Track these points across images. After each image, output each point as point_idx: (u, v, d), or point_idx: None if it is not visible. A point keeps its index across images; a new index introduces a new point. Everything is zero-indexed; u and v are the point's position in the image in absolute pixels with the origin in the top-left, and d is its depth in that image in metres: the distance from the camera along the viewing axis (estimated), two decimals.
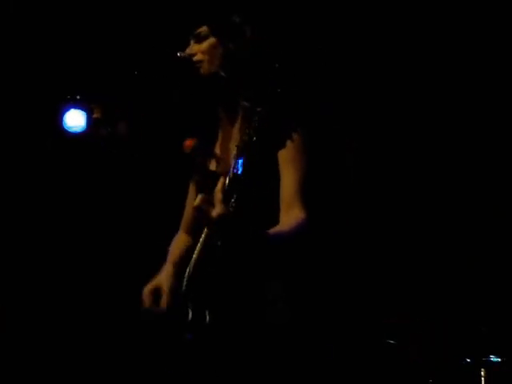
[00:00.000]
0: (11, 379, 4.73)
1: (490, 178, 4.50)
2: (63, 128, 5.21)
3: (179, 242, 2.74)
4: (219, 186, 1.99)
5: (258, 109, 2.01)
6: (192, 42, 2.51)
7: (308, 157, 2.29)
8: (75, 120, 5.21)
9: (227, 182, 1.99)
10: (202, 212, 1.99)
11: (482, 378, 3.78)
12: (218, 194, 1.98)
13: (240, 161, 1.98)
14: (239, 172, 1.98)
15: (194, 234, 2.61)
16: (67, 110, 5.19)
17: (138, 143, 5.03)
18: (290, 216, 2.22)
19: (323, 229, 2.30)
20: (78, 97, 5.18)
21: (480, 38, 4.36)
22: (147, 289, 2.56)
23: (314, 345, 2.27)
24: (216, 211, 1.95)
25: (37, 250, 5.10)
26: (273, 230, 2.17)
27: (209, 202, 1.98)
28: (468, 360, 3.83)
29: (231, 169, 2.00)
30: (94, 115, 5.29)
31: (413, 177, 4.65)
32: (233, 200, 1.96)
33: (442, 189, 4.60)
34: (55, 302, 5.02)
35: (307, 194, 2.25)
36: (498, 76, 4.43)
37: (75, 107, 5.19)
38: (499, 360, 3.82)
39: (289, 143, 2.16)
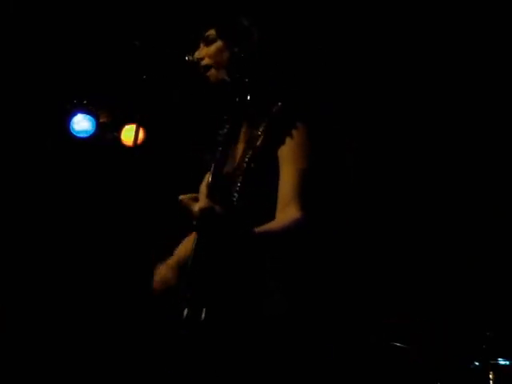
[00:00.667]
0: (11, 379, 4.74)
1: (490, 178, 4.49)
2: (70, 132, 5.22)
3: (189, 239, 2.75)
4: (205, 180, 2.00)
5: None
6: (202, 44, 2.52)
7: (308, 156, 2.27)
8: (82, 124, 5.22)
9: (211, 176, 2.00)
10: (184, 206, 2.00)
11: (491, 381, 3.77)
12: (203, 189, 1.99)
13: (219, 155, 1.99)
14: (219, 166, 1.99)
15: None
16: (74, 114, 5.21)
17: (146, 147, 5.04)
18: (286, 214, 2.21)
19: (321, 227, 2.30)
20: (85, 101, 5.20)
21: (480, 38, 4.35)
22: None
23: (311, 336, 2.25)
24: (199, 205, 1.97)
25: (44, 251, 5.13)
26: (264, 227, 2.16)
27: (194, 197, 2.00)
28: (476, 363, 3.83)
29: (213, 163, 2.01)
30: (101, 120, 5.31)
31: (413, 177, 4.65)
32: (220, 195, 1.97)
33: (442, 189, 4.59)
34: (55, 301, 5.04)
35: (305, 193, 2.23)
36: (498, 76, 4.42)
37: (82, 112, 5.21)
38: (508, 363, 3.81)
39: (288, 141, 2.17)
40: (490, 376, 3.79)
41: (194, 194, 2.03)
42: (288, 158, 2.26)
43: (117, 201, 5.06)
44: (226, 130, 2.15)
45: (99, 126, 5.27)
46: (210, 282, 2.20)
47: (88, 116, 5.22)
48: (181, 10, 4.51)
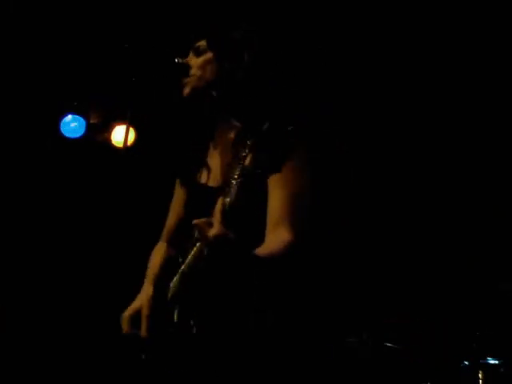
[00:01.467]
0: (11, 379, 4.75)
1: (489, 178, 4.50)
2: (61, 133, 5.22)
3: (159, 253, 2.70)
4: (219, 206, 1.98)
5: (253, 136, 2.03)
6: (191, 54, 2.52)
7: (298, 175, 2.26)
8: (73, 125, 5.22)
9: (227, 203, 2.00)
10: (199, 230, 1.98)
11: (480, 380, 3.79)
12: (217, 215, 1.97)
13: (239, 185, 1.99)
14: (239, 196, 1.99)
15: (175, 244, 2.62)
16: (65, 115, 5.21)
17: (137, 148, 5.04)
18: (276, 236, 2.20)
19: (311, 246, 2.29)
20: (76, 102, 5.20)
21: (480, 38, 4.35)
22: (126, 314, 2.50)
23: (299, 349, 2.25)
24: (213, 231, 1.94)
25: (36, 252, 5.13)
26: (257, 251, 2.14)
27: (208, 222, 1.98)
28: (466, 362, 3.85)
29: (232, 191, 2.00)
30: (91, 121, 5.31)
31: (412, 176, 4.66)
32: (231, 221, 1.97)
33: (441, 189, 4.60)
34: (52, 302, 5.04)
35: (294, 213, 2.22)
36: (498, 76, 4.43)
37: (73, 113, 5.20)
38: (497, 362, 3.83)
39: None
40: (480, 375, 3.80)
41: (207, 219, 2.00)
42: (277, 178, 2.25)
43: (107, 202, 5.06)
44: (251, 165, 2.10)
45: (89, 127, 5.27)
46: (200, 296, 2.21)
47: (78, 117, 5.22)
48: (173, 12, 4.51)
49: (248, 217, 2.16)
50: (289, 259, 2.19)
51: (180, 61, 2.44)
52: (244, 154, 2.15)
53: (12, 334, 4.92)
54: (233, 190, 1.99)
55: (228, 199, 2.01)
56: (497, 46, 4.33)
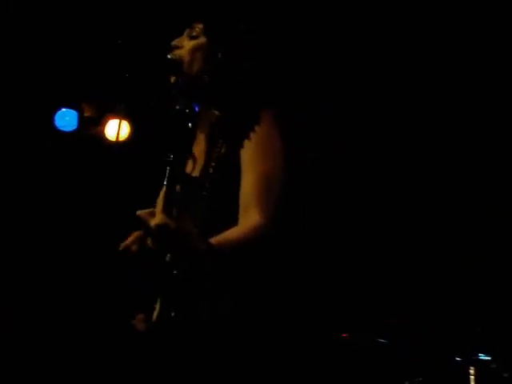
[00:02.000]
0: (11, 379, 4.75)
1: (489, 178, 4.51)
2: (54, 127, 5.21)
3: None
4: (160, 195, 1.98)
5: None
6: (185, 34, 2.45)
7: (267, 157, 2.22)
8: (66, 119, 5.21)
9: (165, 191, 1.97)
10: (142, 221, 1.98)
11: (472, 376, 3.80)
12: (158, 204, 1.97)
13: (171, 170, 1.98)
14: (173, 180, 1.97)
15: None
16: (58, 108, 5.20)
17: (131, 141, 5.04)
18: (246, 220, 2.16)
19: (285, 230, 2.23)
20: (69, 96, 5.18)
21: (479, 39, 4.35)
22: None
23: (261, 336, 2.20)
24: (154, 221, 1.94)
25: (29, 247, 5.12)
26: (222, 236, 2.12)
27: (151, 212, 1.98)
28: (458, 358, 3.85)
29: (166, 178, 1.99)
30: (85, 114, 5.30)
31: (412, 176, 4.66)
32: (175, 209, 1.94)
33: (440, 189, 4.61)
34: (52, 299, 5.05)
35: (264, 196, 2.18)
36: (498, 76, 4.43)
37: (66, 106, 5.19)
38: (488, 358, 3.84)
39: (247, 144, 2.19)
40: (471, 371, 3.81)
41: (151, 209, 2.01)
42: (248, 162, 2.23)
43: (101, 196, 5.06)
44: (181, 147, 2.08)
45: (83, 121, 5.26)
46: (164, 284, 2.20)
47: (72, 110, 5.21)
48: (166, 7, 4.50)
49: (221, 202, 2.18)
50: (260, 243, 2.15)
51: (173, 57, 2.41)
52: (220, 143, 2.17)
53: (12, 334, 4.92)
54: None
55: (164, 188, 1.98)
56: (497, 45, 4.33)
